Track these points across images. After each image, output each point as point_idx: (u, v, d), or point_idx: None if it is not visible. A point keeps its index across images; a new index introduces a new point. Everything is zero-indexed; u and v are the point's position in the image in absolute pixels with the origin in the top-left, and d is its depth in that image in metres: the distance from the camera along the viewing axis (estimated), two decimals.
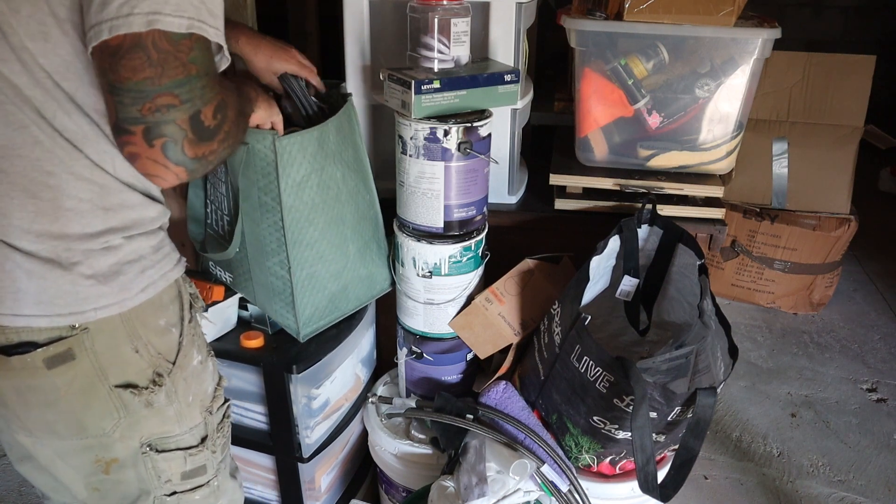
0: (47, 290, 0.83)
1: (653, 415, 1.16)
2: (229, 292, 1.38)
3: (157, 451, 0.95)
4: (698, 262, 1.34)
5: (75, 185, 0.82)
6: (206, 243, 1.41)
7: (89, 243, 0.84)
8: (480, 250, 1.38)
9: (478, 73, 1.28)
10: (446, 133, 1.23)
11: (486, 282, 1.44)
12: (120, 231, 0.86)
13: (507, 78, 1.30)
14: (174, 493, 0.99)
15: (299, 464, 1.40)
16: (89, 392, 0.88)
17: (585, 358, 1.21)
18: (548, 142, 1.84)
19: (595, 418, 1.24)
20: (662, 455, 1.37)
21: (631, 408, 1.14)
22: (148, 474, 0.96)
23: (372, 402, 1.51)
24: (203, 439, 1.00)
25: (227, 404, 1.07)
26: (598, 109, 1.57)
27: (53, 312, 0.84)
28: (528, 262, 1.45)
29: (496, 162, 1.45)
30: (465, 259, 1.35)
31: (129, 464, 0.95)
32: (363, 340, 1.53)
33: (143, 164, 0.76)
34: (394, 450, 1.44)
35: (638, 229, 1.44)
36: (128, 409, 0.90)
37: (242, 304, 1.42)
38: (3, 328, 0.84)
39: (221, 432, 1.04)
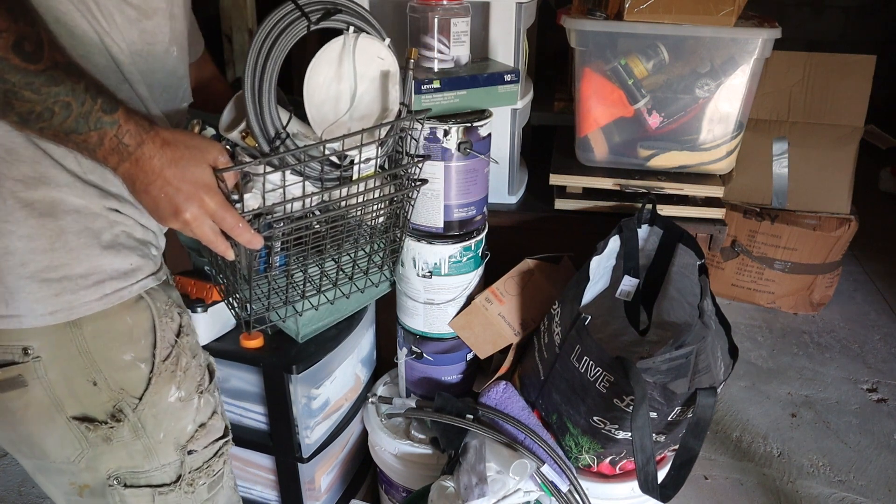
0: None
1: (653, 415, 1.16)
2: None
3: (124, 485, 0.90)
4: (698, 262, 1.33)
5: None
6: (202, 247, 1.40)
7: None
8: (480, 250, 1.38)
9: (478, 73, 1.27)
10: (446, 133, 1.23)
11: (486, 282, 1.43)
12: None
13: (507, 78, 1.30)
14: None
15: (299, 464, 1.40)
16: (47, 420, 0.84)
17: (585, 358, 1.21)
18: (548, 142, 1.84)
19: (595, 418, 1.24)
20: (662, 455, 1.37)
21: (631, 408, 1.14)
22: None
23: (372, 402, 1.51)
24: (179, 478, 0.94)
25: (222, 441, 1.00)
26: (598, 109, 1.56)
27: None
28: (528, 262, 1.45)
29: (496, 162, 1.45)
30: (465, 259, 1.35)
31: (99, 492, 0.91)
32: (363, 340, 1.53)
33: None
34: (394, 450, 1.44)
35: (638, 229, 1.44)
36: (88, 441, 0.87)
37: None
38: None
39: (206, 472, 0.97)
